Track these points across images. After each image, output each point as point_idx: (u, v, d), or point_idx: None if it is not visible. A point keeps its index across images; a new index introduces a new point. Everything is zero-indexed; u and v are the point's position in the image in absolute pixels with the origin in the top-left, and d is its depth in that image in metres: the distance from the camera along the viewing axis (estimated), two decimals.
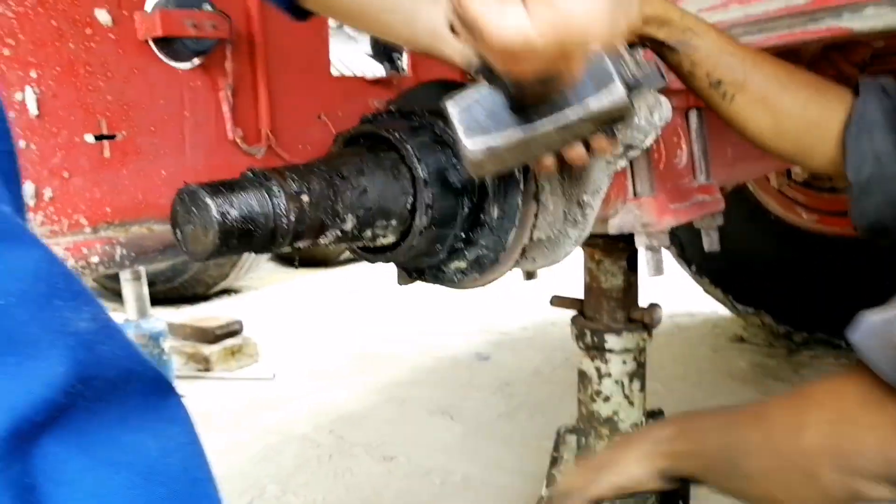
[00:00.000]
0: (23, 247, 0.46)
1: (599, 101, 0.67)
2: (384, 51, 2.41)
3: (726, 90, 0.94)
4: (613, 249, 1.32)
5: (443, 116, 0.91)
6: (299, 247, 0.79)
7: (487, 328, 3.45)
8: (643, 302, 1.35)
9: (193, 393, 2.92)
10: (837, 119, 0.91)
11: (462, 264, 0.96)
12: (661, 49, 0.97)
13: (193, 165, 1.47)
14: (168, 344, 2.87)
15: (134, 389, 0.51)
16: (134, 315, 2.83)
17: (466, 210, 0.87)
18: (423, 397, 2.64)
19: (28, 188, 1.24)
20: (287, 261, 5.32)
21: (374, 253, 0.91)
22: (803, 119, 0.92)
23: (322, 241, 0.81)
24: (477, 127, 0.66)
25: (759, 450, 0.77)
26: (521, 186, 0.89)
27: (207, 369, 3.12)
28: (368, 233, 0.84)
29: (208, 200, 0.70)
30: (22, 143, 1.49)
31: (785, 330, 2.93)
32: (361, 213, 0.81)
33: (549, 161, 0.78)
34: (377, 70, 2.35)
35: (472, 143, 0.65)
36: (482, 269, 0.95)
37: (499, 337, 3.31)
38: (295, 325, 3.85)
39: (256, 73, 1.98)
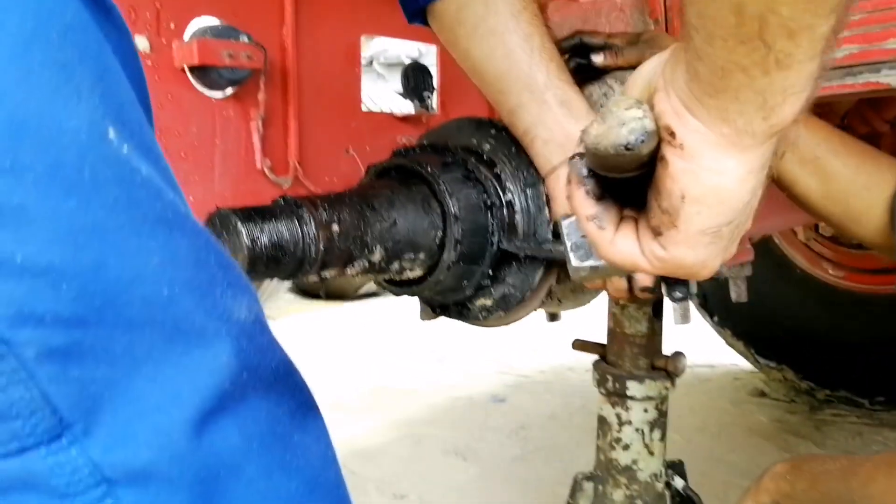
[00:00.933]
0: (186, 235, 0.46)
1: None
2: (415, 89, 2.44)
3: (777, 147, 0.94)
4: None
5: (475, 153, 0.92)
6: (326, 276, 0.79)
7: (505, 369, 3.42)
8: (666, 350, 1.33)
9: None
10: (888, 188, 0.90)
11: (488, 302, 0.95)
12: None
13: (221, 192, 1.48)
14: None
15: (290, 385, 0.52)
16: None
17: (495, 248, 0.87)
18: (438, 436, 2.61)
19: None
20: (306, 293, 5.32)
21: (401, 286, 0.90)
22: (853, 185, 0.92)
23: (349, 271, 0.80)
24: (583, 247, 0.70)
25: (885, 495, 0.75)
26: (550, 226, 0.89)
27: None
28: (396, 265, 0.84)
29: (240, 226, 0.71)
30: None
31: (807, 386, 2.88)
32: (390, 245, 0.81)
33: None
34: (406, 107, 2.37)
35: (576, 261, 0.71)
36: (508, 307, 0.94)
37: (516, 379, 3.28)
38: (311, 356, 3.84)
39: (288, 104, 2.01)
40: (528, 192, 0.89)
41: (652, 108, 0.52)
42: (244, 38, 1.84)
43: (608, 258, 0.60)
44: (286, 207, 0.75)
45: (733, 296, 1.29)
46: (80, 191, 0.41)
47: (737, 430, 2.61)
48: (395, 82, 2.51)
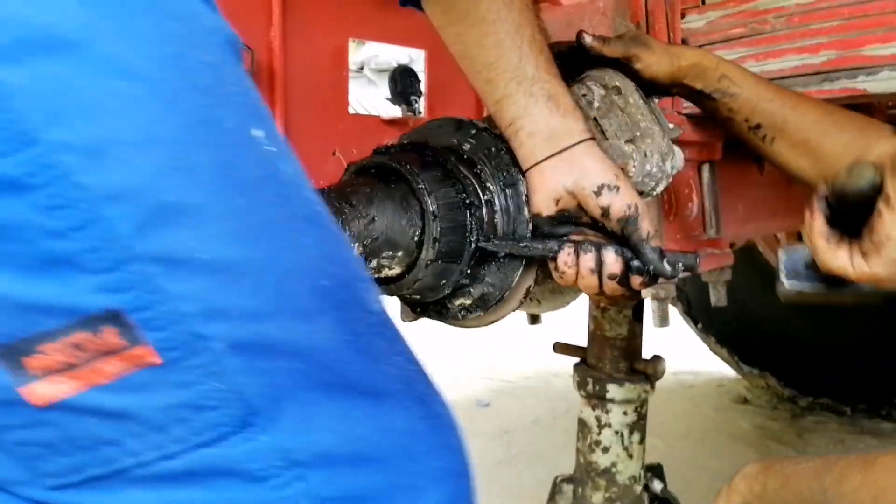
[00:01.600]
0: (329, 231, 0.50)
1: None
2: (402, 93, 2.45)
3: (766, 133, 0.96)
4: (619, 298, 1.31)
5: (455, 152, 0.92)
6: None
7: (489, 374, 3.42)
8: (647, 354, 1.34)
9: None
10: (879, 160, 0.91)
11: (467, 301, 0.95)
12: (698, 97, 0.99)
13: None
14: None
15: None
16: None
17: (473, 246, 0.87)
18: None
19: None
20: None
21: (379, 284, 0.90)
22: (845, 159, 0.93)
23: None
24: (794, 272, 0.91)
25: (858, 492, 0.76)
26: (530, 226, 0.89)
27: None
28: (374, 263, 0.84)
29: None
30: None
31: (790, 393, 2.89)
32: (368, 242, 0.81)
33: None
34: (394, 111, 2.37)
35: (787, 284, 0.92)
36: (486, 306, 0.94)
37: (500, 384, 3.28)
38: None
39: (274, 105, 2.00)
40: (508, 191, 0.90)
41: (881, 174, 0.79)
42: None
43: (826, 263, 0.82)
44: None
45: (713, 300, 1.30)
46: (247, 189, 0.44)
47: (720, 436, 2.62)
48: (385, 87, 2.52)
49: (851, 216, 0.82)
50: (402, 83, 2.41)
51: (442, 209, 0.84)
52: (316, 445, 0.46)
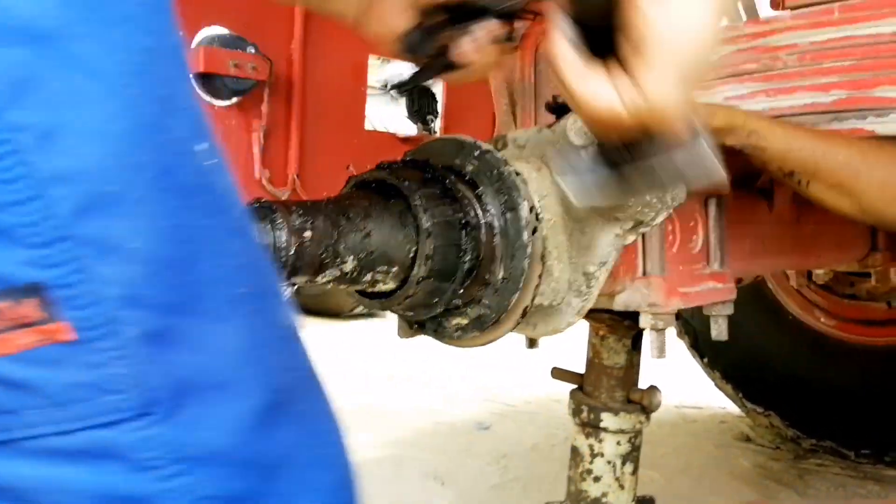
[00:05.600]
0: (252, 244, 0.53)
1: (683, 159, 0.70)
2: (419, 112, 2.46)
3: (800, 178, 0.98)
4: (619, 326, 1.30)
5: (455, 171, 0.92)
6: (296, 283, 0.79)
7: (491, 397, 3.41)
8: (645, 384, 1.32)
9: None
10: None
11: (463, 321, 0.95)
12: (730, 152, 1.00)
13: None
14: None
15: (321, 384, 0.60)
16: None
17: (467, 266, 0.87)
18: (419, 459, 2.59)
19: None
20: (301, 308, 5.31)
21: (373, 298, 0.90)
22: (882, 197, 0.94)
23: (320, 279, 0.80)
24: (570, 169, 0.81)
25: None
26: (528, 250, 0.89)
27: None
28: (368, 277, 0.84)
29: None
30: None
31: (793, 434, 2.86)
32: (363, 256, 0.82)
33: None
34: (410, 129, 2.38)
35: (581, 199, 0.84)
36: (482, 327, 0.94)
37: (502, 407, 3.27)
38: None
39: (291, 117, 2.02)
40: (509, 215, 0.90)
41: None
42: (251, 50, 1.86)
43: (587, 105, 0.62)
44: (260, 210, 0.75)
45: (713, 334, 1.29)
46: (183, 193, 0.47)
47: (719, 473, 2.59)
48: (403, 107, 2.55)
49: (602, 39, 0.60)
50: (420, 102, 2.43)
51: (437, 227, 0.84)
52: (207, 444, 0.47)
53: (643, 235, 1.13)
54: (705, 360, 2.99)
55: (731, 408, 3.06)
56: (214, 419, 0.48)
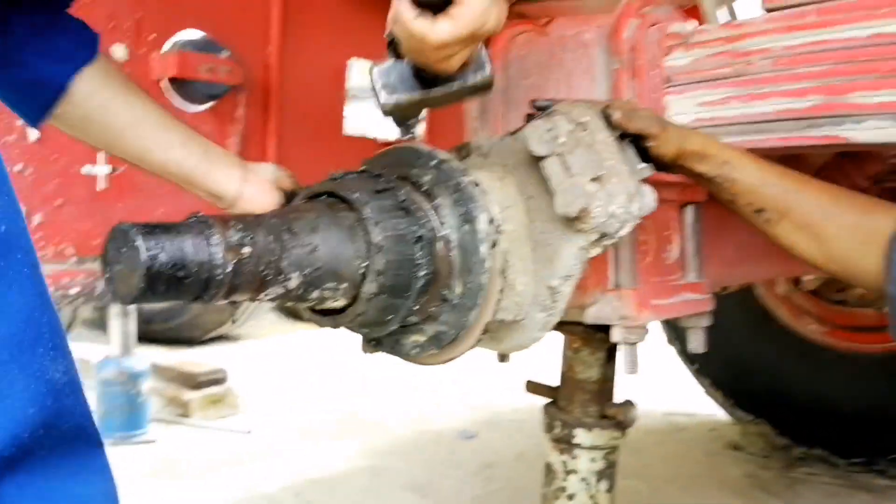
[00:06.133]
0: (24, 293, 0.53)
1: (474, 78, 0.97)
2: (400, 118, 2.42)
3: (769, 217, 0.95)
4: (593, 339, 1.26)
5: (411, 182, 0.88)
6: (236, 301, 0.75)
7: (478, 405, 3.37)
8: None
9: (167, 438, 2.85)
10: (884, 237, 0.88)
11: (420, 338, 0.91)
12: (700, 179, 0.98)
13: (191, 208, 1.45)
14: (149, 385, 2.82)
15: (82, 443, 0.57)
16: (117, 352, 2.79)
17: (422, 282, 0.83)
18: (400, 470, 2.55)
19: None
20: (291, 314, 5.26)
21: (323, 315, 0.86)
22: (850, 243, 0.92)
23: (263, 297, 0.76)
24: (390, 86, 0.96)
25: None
26: (487, 264, 0.85)
27: (186, 415, 3.05)
28: (316, 294, 0.79)
29: (138, 241, 0.67)
30: (18, 167, 1.48)
31: (784, 442, 2.82)
32: (309, 271, 0.77)
33: None
34: (390, 133, 2.34)
35: (384, 98, 0.97)
36: (440, 345, 0.90)
37: (489, 415, 3.22)
38: (285, 379, 3.79)
39: (268, 123, 1.97)
40: (466, 228, 0.86)
41: None
42: (225, 54, 1.82)
43: (408, 26, 0.85)
44: (194, 225, 0.71)
45: (690, 345, 1.25)
46: None
47: (708, 482, 2.55)
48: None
49: None
50: None
51: (389, 241, 0.80)
52: None
53: (615, 246, 1.09)
54: (695, 366, 2.95)
55: (722, 416, 3.02)
56: None
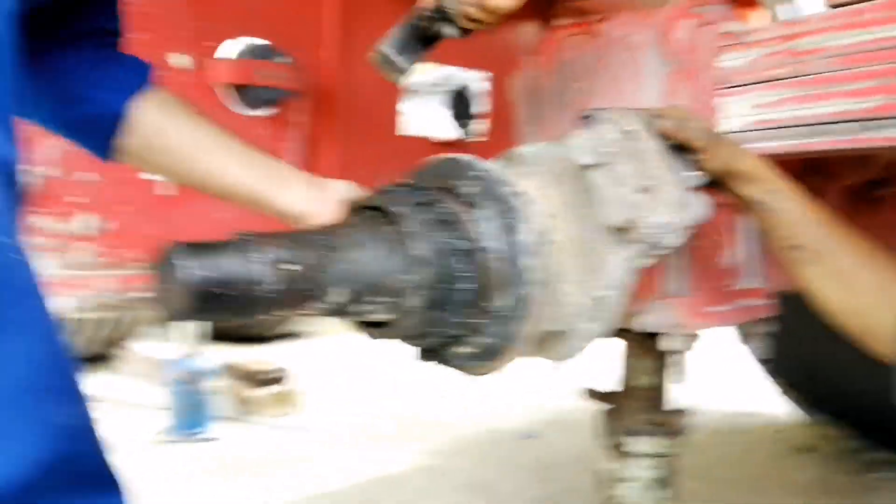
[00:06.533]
0: (33, 337, 0.53)
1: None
2: (458, 115, 2.42)
3: (803, 256, 0.92)
4: (650, 347, 1.24)
5: (454, 193, 0.88)
6: (281, 317, 0.76)
7: (541, 404, 3.34)
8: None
9: (231, 435, 2.91)
10: None
11: (466, 350, 0.91)
12: (741, 200, 0.96)
13: (259, 214, 1.50)
14: (214, 383, 2.89)
15: (98, 488, 0.58)
16: (183, 351, 2.86)
17: (466, 295, 0.83)
18: (460, 470, 2.56)
19: (92, 220, 1.28)
20: None
21: (368, 328, 0.87)
22: (876, 300, 0.88)
23: (306, 312, 0.77)
24: (404, 55, 1.09)
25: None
26: (531, 276, 0.84)
27: (249, 413, 3.11)
28: (358, 308, 0.80)
29: (182, 260, 0.68)
30: (89, 176, 1.53)
31: (856, 446, 2.72)
32: (350, 287, 0.78)
33: None
34: (450, 133, 2.34)
35: (401, 63, 1.09)
36: (486, 357, 0.89)
37: (551, 415, 3.20)
38: (349, 378, 3.83)
39: (328, 125, 1.99)
40: (509, 238, 0.85)
41: None
42: (283, 59, 1.85)
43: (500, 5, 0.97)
44: (237, 243, 0.72)
45: (755, 353, 1.22)
46: None
47: (771, 485, 2.48)
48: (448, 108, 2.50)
49: None
50: (456, 105, 2.38)
51: (430, 254, 0.80)
52: None
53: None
54: (770, 366, 2.87)
55: (787, 416, 2.94)
56: None
